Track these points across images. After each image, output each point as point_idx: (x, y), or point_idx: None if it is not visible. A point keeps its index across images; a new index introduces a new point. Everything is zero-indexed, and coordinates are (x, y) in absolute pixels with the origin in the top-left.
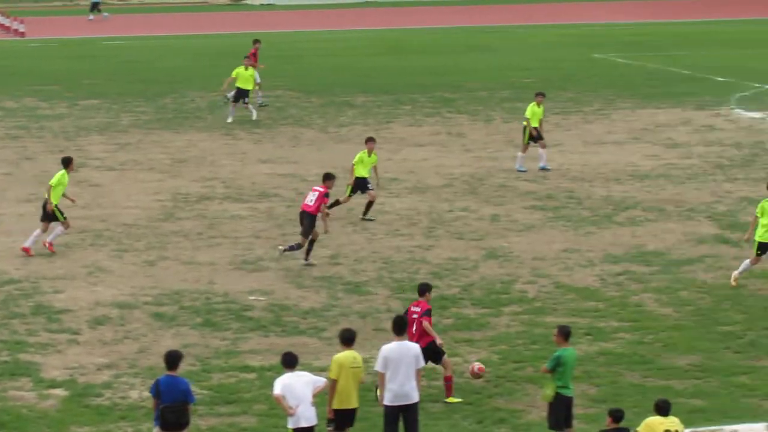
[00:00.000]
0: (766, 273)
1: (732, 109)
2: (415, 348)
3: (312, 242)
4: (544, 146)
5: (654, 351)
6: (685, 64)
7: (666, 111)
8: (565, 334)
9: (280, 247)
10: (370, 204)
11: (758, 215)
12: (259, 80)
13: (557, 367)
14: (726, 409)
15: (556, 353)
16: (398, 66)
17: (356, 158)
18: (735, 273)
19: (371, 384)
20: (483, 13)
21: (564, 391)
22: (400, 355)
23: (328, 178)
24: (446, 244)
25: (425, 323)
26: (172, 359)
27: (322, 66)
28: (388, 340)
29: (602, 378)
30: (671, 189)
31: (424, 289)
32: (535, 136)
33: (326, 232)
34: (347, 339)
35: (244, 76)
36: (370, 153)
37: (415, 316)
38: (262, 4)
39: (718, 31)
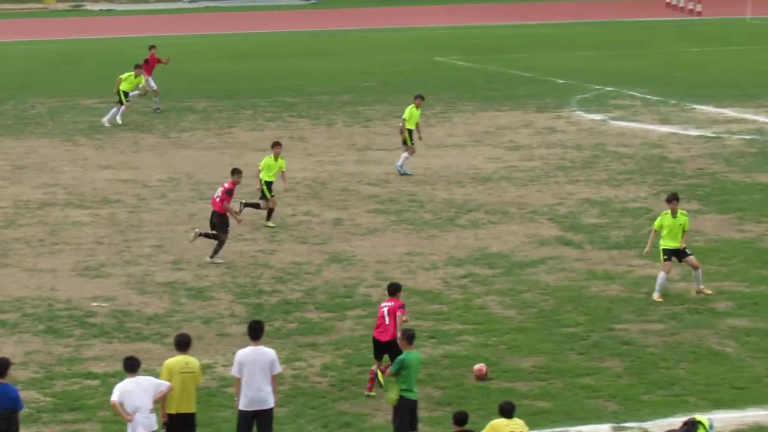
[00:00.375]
0: (608, 274)
1: (573, 111)
2: (270, 354)
3: (219, 245)
4: (413, 151)
5: (498, 353)
6: (525, 67)
7: (507, 113)
8: (409, 337)
9: (197, 229)
10: (271, 210)
11: (656, 228)
12: (155, 87)
13: (401, 370)
14: (570, 411)
15: (400, 356)
16: (239, 71)
17: (262, 163)
18: (656, 293)
19: (216, 389)
20: (323, 17)
21: (408, 395)
22: (255, 360)
23: (234, 173)
24: (289, 249)
25: (399, 314)
26: (0, 367)
27: (163, 71)
28: (233, 345)
29: (446, 381)
30: (513, 191)
31: (395, 289)
32: (410, 136)
33: (238, 220)
34: (180, 344)
35: (132, 82)
36: (276, 158)
37: (384, 309)
38: (101, 10)
39: (556, 34)
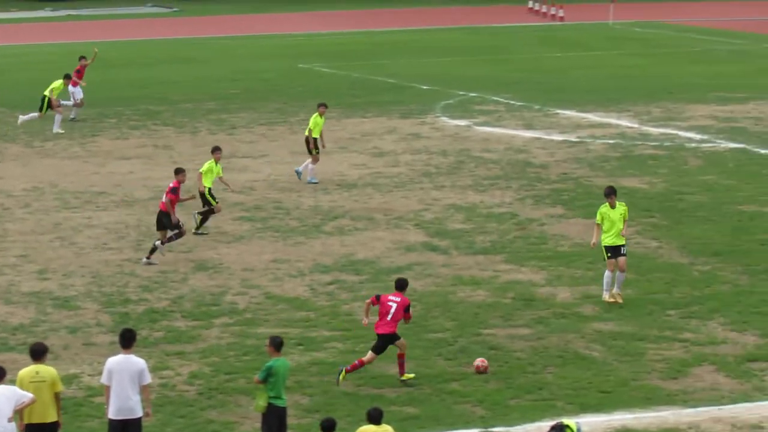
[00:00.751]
0: (474, 279)
1: (437, 117)
2: (139, 363)
3: (178, 234)
4: (317, 160)
5: None
6: (389, 73)
7: (372, 120)
8: (276, 344)
9: (158, 242)
10: (210, 214)
11: (598, 222)
12: (81, 96)
13: (269, 377)
14: (439, 416)
15: (268, 363)
16: (101, 79)
17: (204, 167)
18: (605, 293)
19: (83, 399)
20: (185, 25)
21: (277, 402)
22: (124, 368)
23: (177, 172)
24: (155, 257)
25: (404, 318)
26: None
27: (23, 80)
28: (99, 355)
29: (315, 388)
30: (379, 197)
31: (403, 284)
32: (315, 146)
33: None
34: (33, 353)
35: (57, 88)
36: (216, 162)
37: (391, 304)
38: None
39: (419, 40)
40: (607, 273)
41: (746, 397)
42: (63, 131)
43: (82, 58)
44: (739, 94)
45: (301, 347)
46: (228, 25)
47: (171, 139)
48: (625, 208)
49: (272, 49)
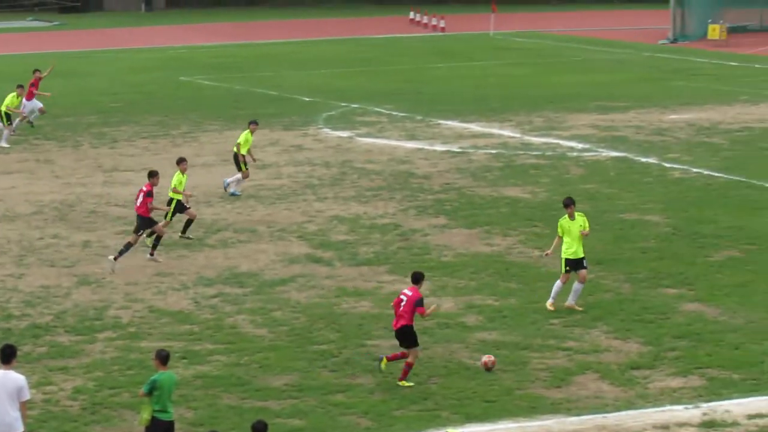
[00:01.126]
0: (358, 291)
1: (320, 128)
2: (19, 380)
3: (157, 238)
4: (247, 176)
5: (250, 372)
6: (271, 85)
7: (254, 132)
8: (162, 358)
9: (111, 257)
10: (190, 221)
11: (560, 234)
12: (41, 105)
13: (153, 390)
14: (324, 428)
15: (153, 377)
16: None
17: (174, 180)
18: (551, 300)
19: None
20: (67, 38)
21: (162, 416)
22: (2, 384)
23: (151, 175)
24: (38, 272)
25: (418, 313)
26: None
27: None
28: None
29: (199, 401)
30: (262, 210)
31: (419, 277)
32: (244, 162)
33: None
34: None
35: (14, 102)
36: (182, 172)
37: (403, 298)
38: None
39: (301, 51)
40: (558, 283)
41: (630, 405)
42: (8, 146)
43: (36, 71)
44: (620, 103)
45: (185, 360)
46: (109, 39)
47: (52, 153)
48: (585, 218)
49: (154, 62)
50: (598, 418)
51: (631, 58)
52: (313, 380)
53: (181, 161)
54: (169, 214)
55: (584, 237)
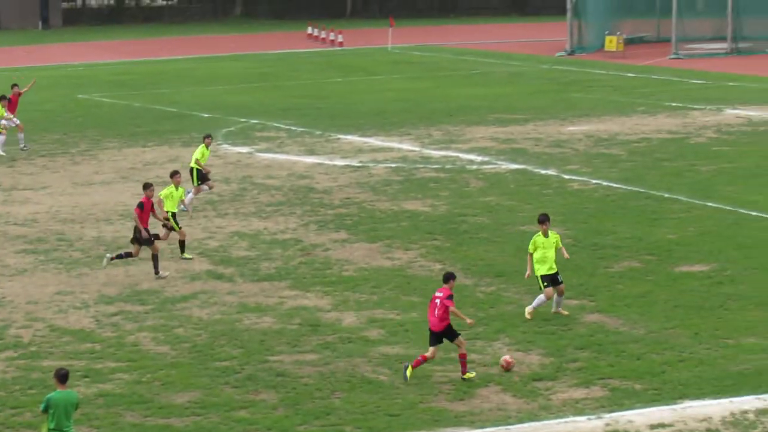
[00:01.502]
0: (260, 306)
1: (219, 144)
2: None
3: (154, 257)
4: (199, 191)
5: (153, 390)
6: (170, 102)
7: (153, 149)
8: (60, 376)
9: (108, 255)
10: (182, 242)
11: (531, 251)
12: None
13: (48, 409)
14: None
15: (47, 395)
16: None
17: (164, 192)
18: (530, 308)
19: None
20: None
21: None
22: None
23: (145, 187)
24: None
25: (452, 308)
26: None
27: None
28: None
29: (102, 420)
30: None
31: (448, 277)
32: (203, 176)
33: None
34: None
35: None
36: (177, 186)
37: (437, 300)
38: None
39: (200, 68)
40: (542, 297)
41: (533, 417)
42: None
43: (14, 86)
44: (519, 115)
45: (87, 379)
46: (6, 57)
47: None
48: (558, 236)
49: (51, 80)
50: (501, 430)
51: (529, 71)
52: (216, 397)
53: (174, 174)
54: (174, 224)
55: (561, 255)
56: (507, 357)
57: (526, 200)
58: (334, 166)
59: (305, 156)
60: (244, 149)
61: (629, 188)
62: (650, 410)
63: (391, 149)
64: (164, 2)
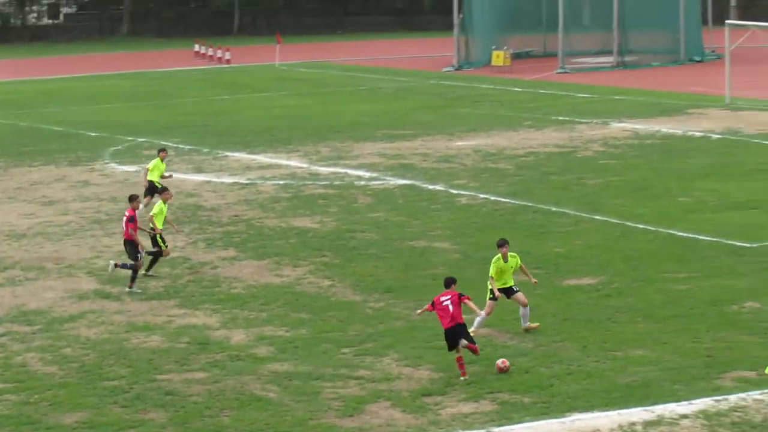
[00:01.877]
0: (148, 325)
1: (106, 163)
2: None
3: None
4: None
5: (40, 410)
6: (56, 121)
7: (40, 168)
8: None
9: (112, 262)
10: (156, 260)
11: (493, 275)
12: None
13: None
14: None
15: None
16: None
17: (155, 210)
18: (473, 327)
19: None
20: None
21: None
22: None
23: (131, 200)
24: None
25: (469, 302)
26: None
27: None
28: None
29: None
30: (50, 247)
31: (451, 281)
32: (158, 189)
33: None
34: None
35: None
36: (165, 202)
37: (446, 302)
38: None
39: (85, 87)
40: (481, 316)
41: None
42: None
43: None
44: (406, 131)
45: None
46: None
47: None
48: (517, 259)
49: None
50: None
51: (416, 86)
52: (105, 416)
53: (162, 191)
54: (161, 242)
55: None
56: (499, 362)
57: (414, 215)
58: (222, 183)
59: (193, 174)
60: (132, 168)
61: (517, 202)
62: (539, 423)
63: (279, 166)
64: (51, 21)
